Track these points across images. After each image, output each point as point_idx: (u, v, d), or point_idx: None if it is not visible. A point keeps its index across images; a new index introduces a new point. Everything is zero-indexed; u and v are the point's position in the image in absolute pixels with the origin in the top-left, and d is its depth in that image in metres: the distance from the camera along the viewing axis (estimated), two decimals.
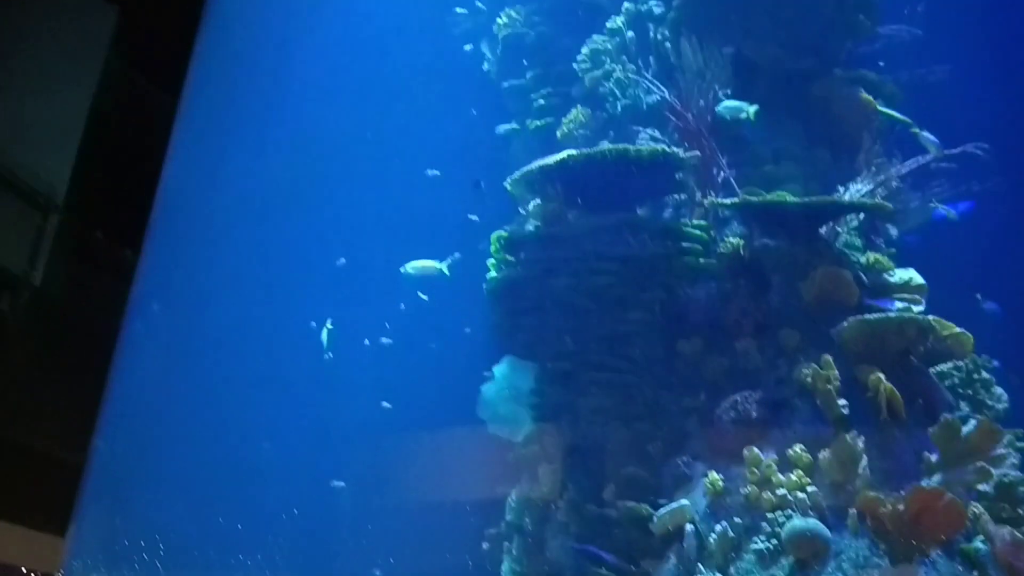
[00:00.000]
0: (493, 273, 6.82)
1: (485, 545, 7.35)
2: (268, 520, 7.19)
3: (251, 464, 7.32)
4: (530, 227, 6.85)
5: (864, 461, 5.29)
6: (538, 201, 6.89)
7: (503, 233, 6.78)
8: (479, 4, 8.64)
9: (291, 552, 7.11)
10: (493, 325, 6.85)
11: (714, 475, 5.63)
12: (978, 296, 7.52)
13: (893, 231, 7.28)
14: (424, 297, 7.51)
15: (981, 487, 5.28)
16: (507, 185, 6.87)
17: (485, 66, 8.46)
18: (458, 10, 8.66)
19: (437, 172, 7.75)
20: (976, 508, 5.20)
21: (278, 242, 7.69)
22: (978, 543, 5.04)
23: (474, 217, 7.57)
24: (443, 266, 7.44)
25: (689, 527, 5.54)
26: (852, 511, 5.09)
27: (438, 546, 7.34)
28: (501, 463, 7.44)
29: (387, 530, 7.50)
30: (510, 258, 6.77)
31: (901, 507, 4.80)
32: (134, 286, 6.57)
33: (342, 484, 7.36)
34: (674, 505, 5.69)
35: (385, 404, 7.48)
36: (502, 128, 7.97)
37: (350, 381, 7.71)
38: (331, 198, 7.77)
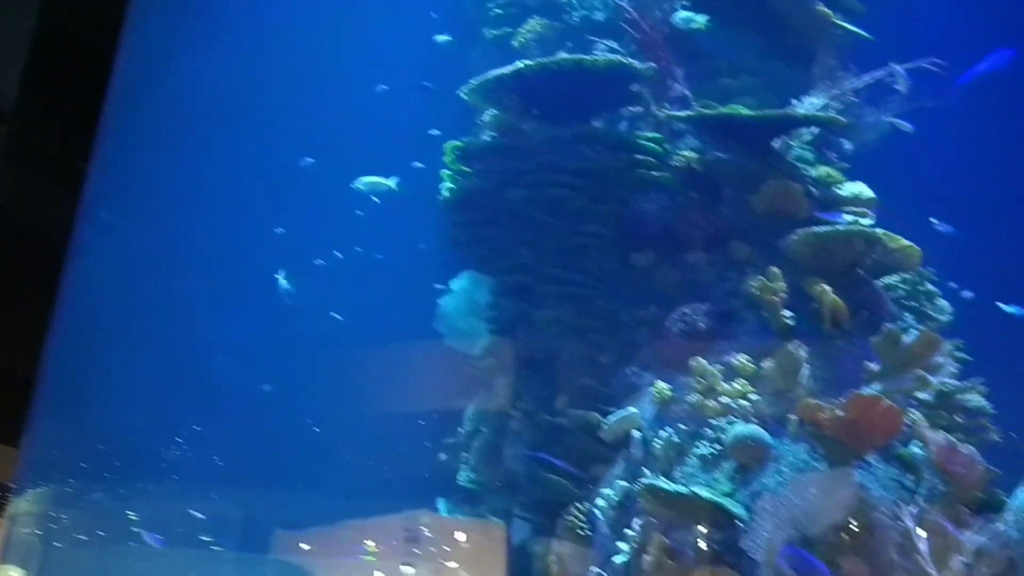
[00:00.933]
0: (448, 184, 6.81)
1: (442, 456, 7.49)
2: (222, 432, 7.25)
3: (205, 376, 7.34)
4: (486, 138, 6.82)
5: (806, 370, 5.43)
6: (494, 111, 6.84)
7: (458, 143, 6.75)
8: None
9: (246, 464, 7.19)
10: (449, 237, 6.86)
11: (661, 384, 5.76)
12: (933, 220, 7.60)
13: (848, 145, 7.33)
14: (376, 200, 7.47)
15: (920, 395, 5.46)
16: (463, 94, 6.80)
17: None
18: None
19: (386, 87, 7.66)
20: (914, 415, 5.38)
21: (231, 150, 7.58)
22: (914, 447, 5.23)
23: (435, 132, 7.51)
24: (392, 182, 7.41)
25: (636, 434, 5.69)
26: (793, 417, 5.24)
27: (396, 458, 7.46)
28: (458, 376, 7.53)
29: (345, 442, 7.59)
30: (465, 169, 6.76)
31: (840, 413, 4.95)
32: (85, 196, 6.49)
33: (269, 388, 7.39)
34: (623, 413, 5.83)
35: (336, 316, 7.50)
36: (440, 38, 7.85)
37: (307, 293, 7.71)
38: (285, 108, 7.66)
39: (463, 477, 7.25)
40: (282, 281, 7.50)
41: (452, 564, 6.54)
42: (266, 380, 7.38)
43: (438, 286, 7.05)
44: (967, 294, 6.98)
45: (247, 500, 6.84)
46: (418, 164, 7.28)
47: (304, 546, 6.54)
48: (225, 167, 7.52)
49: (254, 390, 7.37)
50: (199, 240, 7.48)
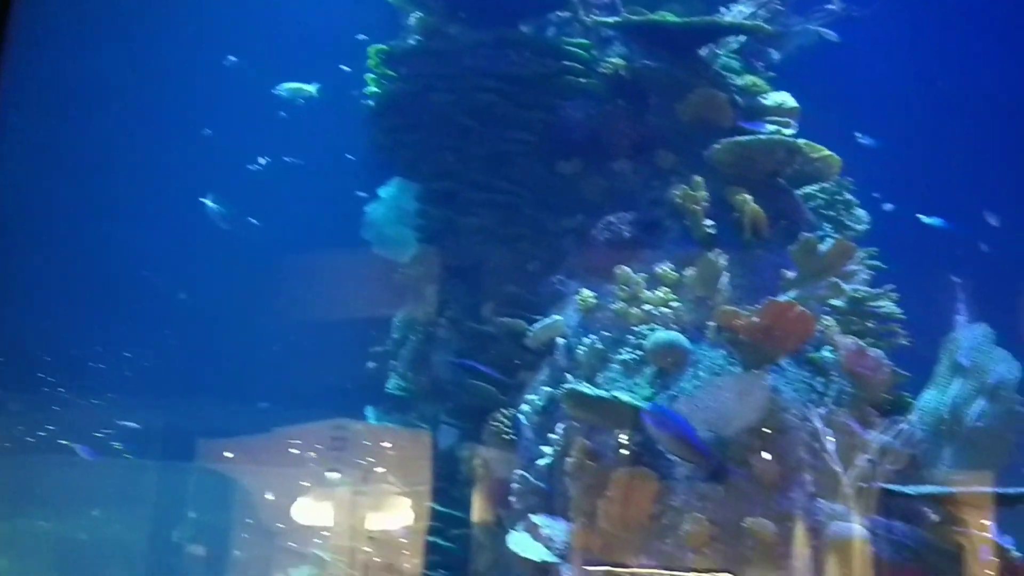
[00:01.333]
0: (373, 88, 6.69)
1: (371, 364, 7.52)
2: (145, 342, 7.18)
3: (127, 286, 7.23)
4: (411, 41, 6.68)
5: (726, 278, 5.53)
6: (420, 14, 6.70)
7: (382, 47, 6.61)
8: None
9: (170, 373, 7.15)
10: (374, 143, 6.77)
11: (586, 292, 5.82)
12: (857, 135, 7.68)
13: (775, 55, 7.35)
14: (302, 101, 7.31)
15: (834, 301, 5.61)
16: None
17: None
18: None
19: None
20: (828, 321, 5.53)
21: (157, 49, 7.35)
22: (826, 352, 5.40)
23: (362, 36, 7.33)
24: (314, 88, 7.25)
25: (561, 341, 5.77)
26: (711, 323, 5.36)
27: (324, 366, 7.47)
28: (387, 284, 7.52)
29: (272, 351, 7.57)
30: (390, 73, 6.64)
31: (755, 319, 5.06)
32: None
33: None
34: (548, 320, 5.91)
35: (253, 221, 7.40)
36: None
37: (230, 200, 7.58)
38: (211, 8, 7.41)
39: (392, 384, 7.31)
40: (211, 204, 7.31)
41: (379, 470, 6.63)
42: (185, 289, 7.29)
43: (361, 193, 6.97)
44: (887, 206, 7.16)
45: (171, 409, 6.82)
46: (345, 68, 7.12)
47: (228, 454, 6.56)
48: (150, 69, 7.29)
49: (175, 299, 7.28)
50: (120, 146, 7.27)
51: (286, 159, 7.68)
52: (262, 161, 7.74)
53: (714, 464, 4.77)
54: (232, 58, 7.57)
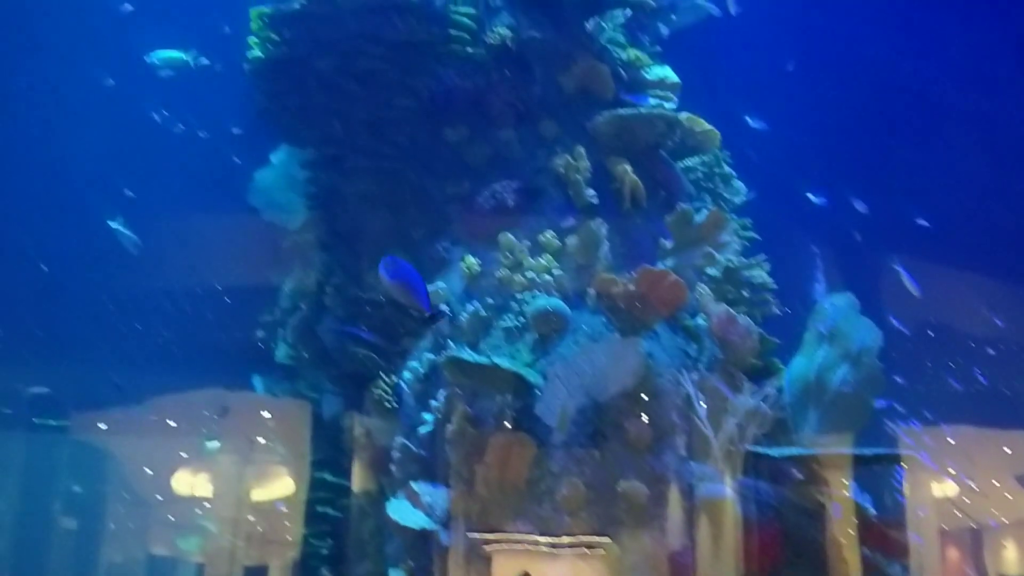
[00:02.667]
0: (256, 52, 6.54)
1: (260, 332, 7.42)
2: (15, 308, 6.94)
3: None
4: (295, 4, 6.54)
5: (606, 246, 5.64)
6: None
7: (265, 9, 6.45)
8: None
9: (45, 340, 6.93)
10: (257, 107, 6.63)
11: (470, 259, 5.85)
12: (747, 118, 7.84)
13: (664, 30, 7.46)
14: (191, 62, 7.11)
15: (709, 271, 5.76)
16: None
17: None
18: None
19: None
20: (702, 289, 5.69)
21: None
22: (699, 319, 5.55)
23: None
24: (190, 57, 7.05)
25: (444, 307, 5.79)
26: (591, 291, 5.45)
27: (211, 335, 7.33)
28: (276, 251, 7.41)
29: (156, 319, 7.39)
30: (274, 36, 6.49)
31: (631, 287, 5.17)
32: None
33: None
34: (432, 287, 5.91)
35: (128, 192, 7.19)
36: None
37: (117, 164, 7.33)
38: None
39: (281, 354, 7.24)
40: (121, 229, 7.05)
41: (260, 440, 6.57)
42: (63, 254, 7.05)
43: (237, 160, 6.85)
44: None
45: (44, 379, 6.62)
46: (227, 29, 6.95)
47: (102, 425, 6.41)
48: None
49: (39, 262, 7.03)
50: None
51: (165, 119, 7.45)
52: (156, 119, 7.48)
53: (430, 312, 5.04)
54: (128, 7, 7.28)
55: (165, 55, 7.02)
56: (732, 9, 7.12)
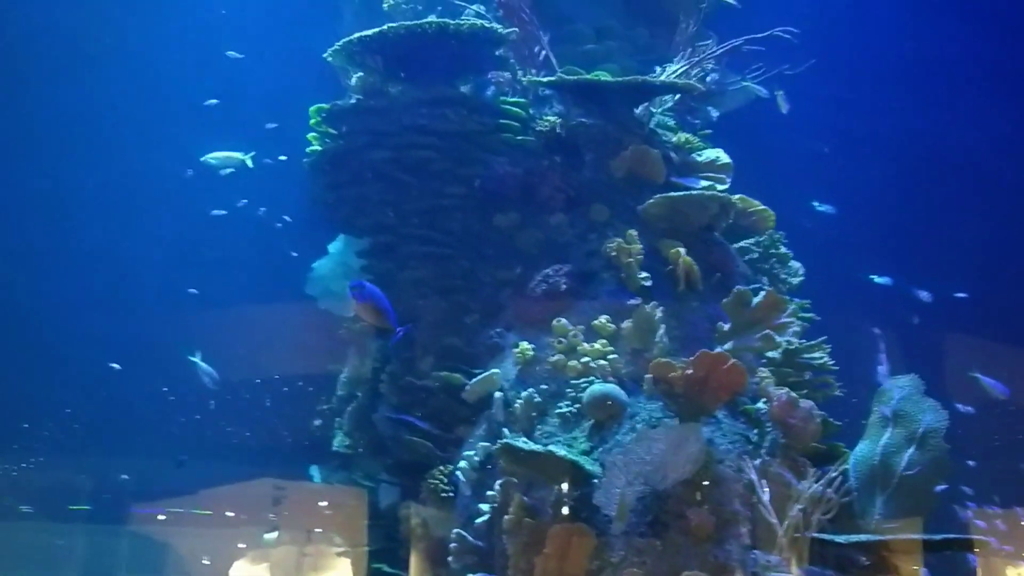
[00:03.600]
0: (315, 146, 6.74)
1: (317, 421, 7.45)
2: (80, 404, 7.06)
3: (59, 347, 7.13)
4: (352, 100, 6.75)
5: (661, 330, 5.57)
6: (360, 74, 6.77)
7: (323, 106, 6.67)
8: None
9: (106, 435, 7.03)
10: (315, 199, 6.78)
11: (523, 344, 5.83)
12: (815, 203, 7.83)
13: (713, 113, 7.51)
14: (248, 162, 7.32)
15: (768, 354, 5.66)
16: (328, 57, 6.72)
17: None
18: None
19: (239, 55, 7.50)
20: (763, 372, 5.58)
21: (79, 107, 7.34)
22: (760, 403, 5.43)
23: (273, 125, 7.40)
24: (247, 157, 7.28)
25: (498, 394, 5.76)
26: (648, 376, 5.38)
27: (270, 424, 7.39)
28: (333, 340, 7.48)
29: (216, 410, 7.48)
30: (331, 131, 6.70)
31: (689, 371, 5.09)
32: None
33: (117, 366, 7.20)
34: (484, 374, 5.89)
35: (192, 291, 7.34)
36: None
37: (171, 257, 7.53)
38: (140, 66, 7.44)
39: (337, 442, 7.23)
40: (199, 363, 7.23)
41: (317, 530, 6.53)
42: (122, 344, 7.19)
43: (293, 254, 6.97)
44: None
45: (103, 471, 6.69)
46: (271, 125, 7.15)
47: (162, 517, 6.44)
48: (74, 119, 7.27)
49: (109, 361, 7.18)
50: (47, 199, 7.22)
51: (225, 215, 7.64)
52: (218, 212, 7.69)
53: (399, 331, 5.35)
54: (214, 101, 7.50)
55: (221, 156, 7.24)
56: (783, 108, 7.16)
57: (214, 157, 7.34)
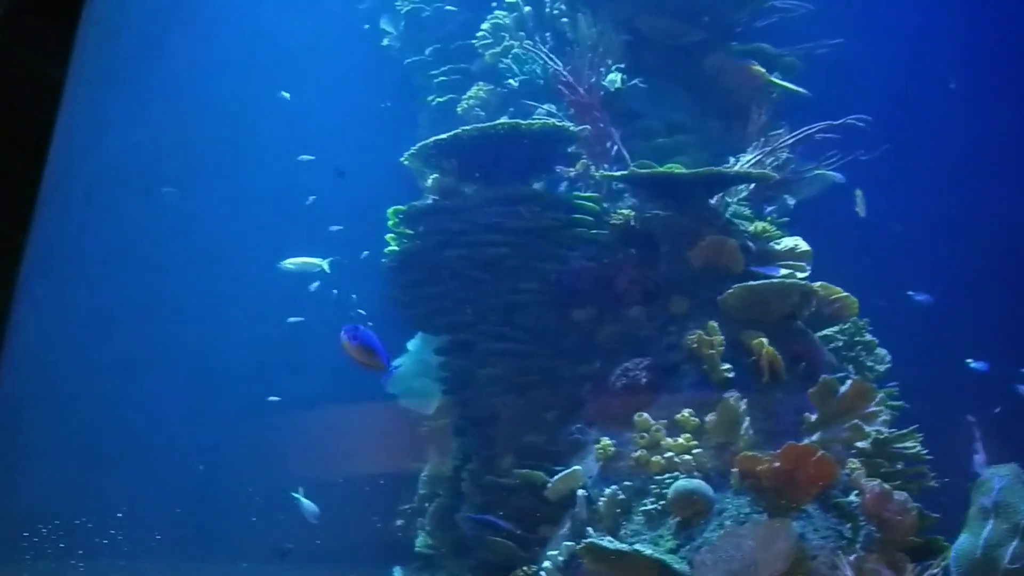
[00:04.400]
0: (392, 247, 6.88)
1: (399, 521, 7.42)
2: (160, 505, 7.15)
3: (143, 445, 7.26)
4: (427, 201, 6.89)
5: (746, 423, 5.44)
6: (436, 175, 6.93)
7: (400, 207, 6.83)
8: None
9: (187, 536, 7.08)
10: (392, 298, 6.89)
11: (605, 440, 5.74)
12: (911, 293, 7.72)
13: (790, 201, 7.46)
14: (326, 267, 7.49)
15: (858, 444, 5.48)
16: (404, 160, 6.91)
17: (386, 42, 8.45)
18: None
19: (311, 157, 7.76)
20: (853, 464, 5.40)
21: (168, 219, 7.62)
22: (852, 496, 5.24)
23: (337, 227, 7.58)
24: (324, 263, 7.46)
25: (580, 492, 5.66)
26: (734, 470, 5.24)
27: (351, 525, 7.38)
28: (414, 437, 7.50)
29: (298, 511, 7.50)
30: (408, 231, 6.83)
31: (776, 464, 4.95)
32: (22, 269, 6.45)
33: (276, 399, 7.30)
34: (566, 471, 5.81)
35: (273, 398, 7.45)
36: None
37: (253, 360, 7.68)
38: (222, 175, 7.72)
39: (420, 543, 7.18)
40: (300, 499, 7.38)
41: None
42: (209, 447, 7.31)
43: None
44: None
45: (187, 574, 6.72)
46: (335, 228, 7.33)
47: None
48: (162, 235, 7.54)
49: (194, 460, 7.28)
50: (134, 309, 7.45)
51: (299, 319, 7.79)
52: (295, 319, 7.86)
53: (390, 371, 5.64)
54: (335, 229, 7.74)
55: (299, 262, 7.44)
56: (861, 211, 7.11)
57: (292, 263, 7.54)
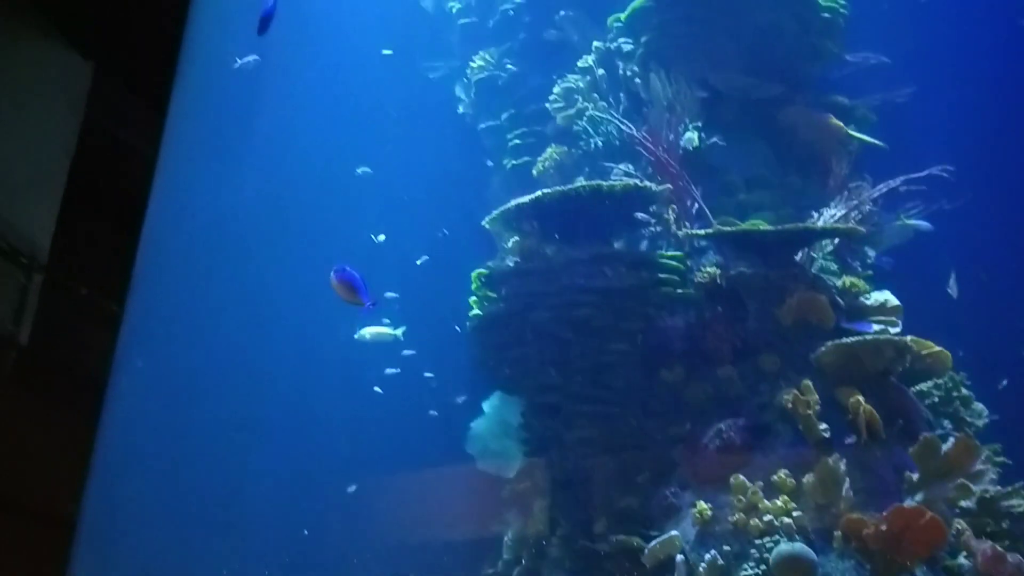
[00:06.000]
0: (476, 310, 6.90)
1: None
2: (262, 565, 7.18)
3: (244, 509, 7.32)
4: (510, 263, 6.92)
5: (847, 483, 5.34)
6: (517, 238, 6.97)
7: (483, 271, 6.87)
8: (453, 50, 8.79)
9: None
10: (478, 360, 6.90)
11: (702, 504, 5.65)
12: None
13: (870, 253, 7.37)
14: (400, 336, 7.56)
15: (963, 503, 5.34)
16: (486, 224, 6.96)
17: (460, 109, 8.57)
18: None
19: (382, 237, 7.88)
20: (959, 524, 5.25)
21: (259, 283, 7.75)
22: (961, 558, 5.09)
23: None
24: (398, 332, 7.52)
25: (679, 557, 5.57)
26: (837, 533, 5.13)
27: None
28: (495, 499, 7.44)
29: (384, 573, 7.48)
30: (492, 294, 6.86)
31: (883, 527, 4.84)
32: (120, 338, 6.59)
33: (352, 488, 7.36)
34: (664, 536, 5.72)
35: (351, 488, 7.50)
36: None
37: (340, 419, 7.73)
38: (311, 240, 7.84)
39: None
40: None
41: None
42: (301, 514, 7.34)
43: (460, 399, 7.06)
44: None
45: None
46: (390, 294, 7.40)
47: None
48: (256, 299, 7.66)
49: (291, 527, 7.32)
50: (232, 374, 7.55)
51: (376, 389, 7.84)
52: (378, 390, 7.91)
53: (368, 305, 5.71)
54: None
55: (374, 331, 7.51)
56: (954, 293, 7.03)
57: (368, 332, 7.61)
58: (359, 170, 7.85)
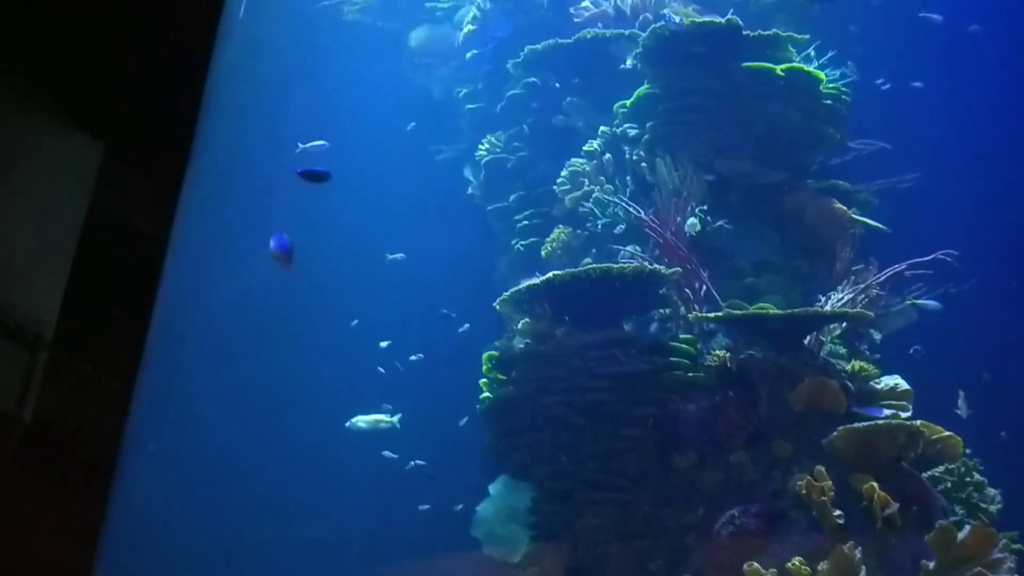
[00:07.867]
0: (486, 393, 6.89)
1: None
2: None
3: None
4: (520, 345, 6.94)
5: (863, 571, 5.29)
6: (527, 320, 6.99)
7: (494, 353, 6.88)
8: (460, 133, 8.94)
9: None
10: (487, 446, 6.87)
11: None
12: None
13: (877, 336, 7.41)
14: (397, 424, 7.55)
15: None
16: (496, 306, 6.99)
17: (469, 191, 8.69)
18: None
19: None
20: None
21: (271, 369, 7.75)
22: None
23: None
24: (395, 420, 7.51)
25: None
26: None
27: None
28: None
29: None
30: (501, 377, 6.86)
31: None
32: (128, 419, 6.58)
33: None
34: None
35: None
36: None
37: (349, 501, 7.66)
38: (326, 326, 7.87)
39: None
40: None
41: None
42: None
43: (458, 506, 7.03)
44: None
45: None
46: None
47: None
48: (268, 383, 7.65)
49: None
50: (242, 459, 7.50)
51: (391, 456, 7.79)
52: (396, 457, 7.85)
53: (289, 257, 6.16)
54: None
55: (370, 419, 7.49)
56: (964, 414, 7.09)
57: (362, 421, 7.59)
58: (389, 257, 7.94)
